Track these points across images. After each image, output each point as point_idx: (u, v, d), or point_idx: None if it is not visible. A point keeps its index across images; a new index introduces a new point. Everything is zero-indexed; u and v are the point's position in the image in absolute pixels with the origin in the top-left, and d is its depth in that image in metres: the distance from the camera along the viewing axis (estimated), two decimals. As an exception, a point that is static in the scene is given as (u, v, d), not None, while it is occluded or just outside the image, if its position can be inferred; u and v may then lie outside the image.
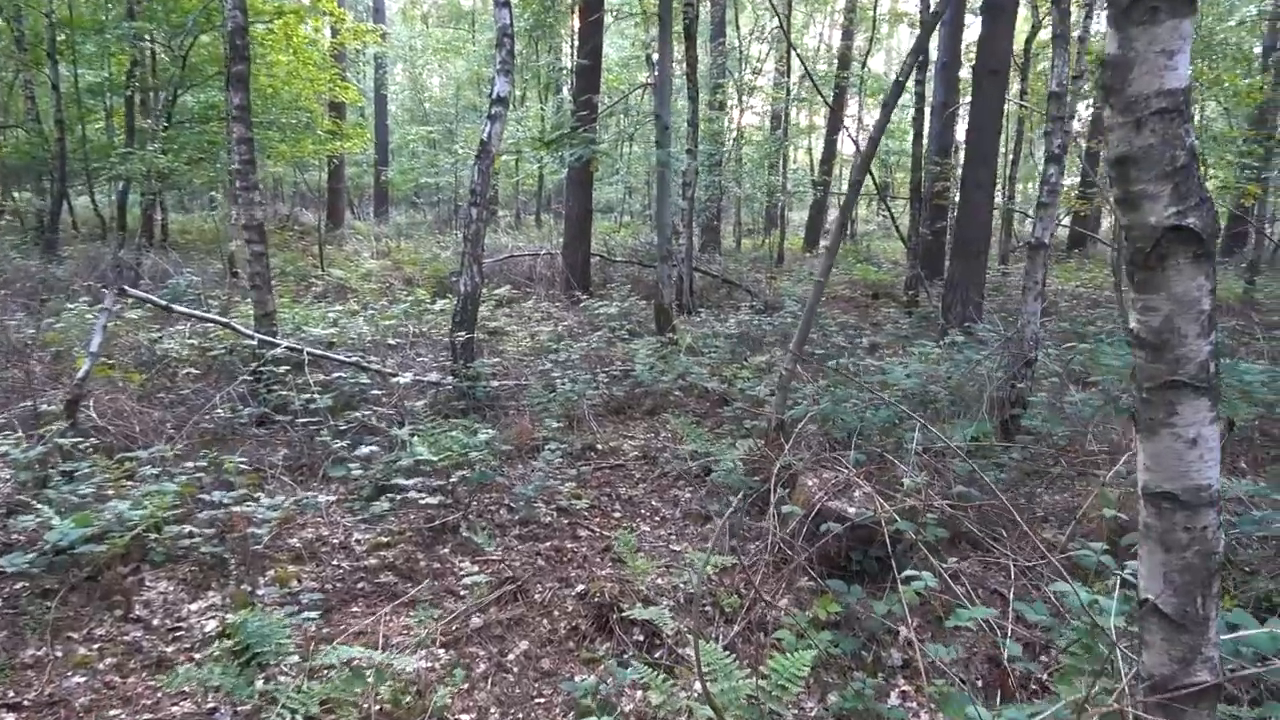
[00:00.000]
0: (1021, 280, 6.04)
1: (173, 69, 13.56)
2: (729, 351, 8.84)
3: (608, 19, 14.48)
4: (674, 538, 4.86)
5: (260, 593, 4.06)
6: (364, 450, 5.01)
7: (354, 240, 18.36)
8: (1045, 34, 18.46)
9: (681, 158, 11.56)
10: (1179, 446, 1.52)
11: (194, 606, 3.93)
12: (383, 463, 5.13)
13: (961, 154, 21.55)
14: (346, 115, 20.82)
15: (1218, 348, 1.48)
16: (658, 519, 5.19)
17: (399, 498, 4.74)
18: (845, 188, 26.54)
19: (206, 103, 14.57)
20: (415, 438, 5.26)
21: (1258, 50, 19.22)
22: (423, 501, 4.64)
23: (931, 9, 12.88)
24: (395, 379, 6.31)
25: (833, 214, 28.61)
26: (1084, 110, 19.75)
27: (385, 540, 4.65)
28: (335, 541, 4.65)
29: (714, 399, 7.54)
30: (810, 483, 4.26)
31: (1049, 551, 3.92)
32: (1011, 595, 3.56)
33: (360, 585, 4.22)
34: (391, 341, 7.91)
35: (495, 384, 7.10)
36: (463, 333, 6.85)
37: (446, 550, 4.61)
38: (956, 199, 19.45)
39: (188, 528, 4.22)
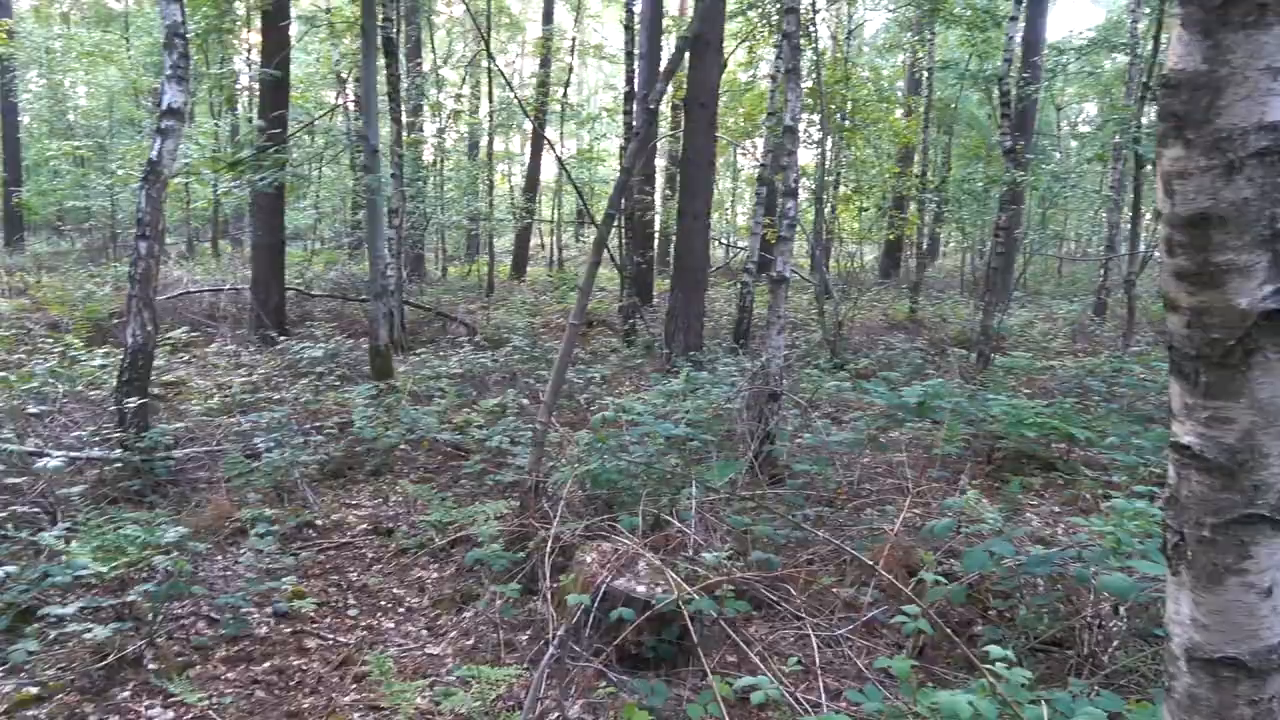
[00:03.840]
0: (766, 314, 5.96)
1: None
2: (456, 395, 8.11)
3: (298, 29, 13.14)
4: (427, 635, 4.11)
5: None
6: (-3, 572, 3.73)
7: (-24, 275, 15.16)
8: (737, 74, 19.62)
9: (389, 183, 10.65)
10: (1251, 599, 1.12)
11: None
12: (26, 582, 3.87)
13: (659, 182, 22.34)
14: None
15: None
16: (402, 611, 4.39)
17: (54, 633, 3.56)
18: (549, 215, 26.52)
19: None
20: (74, 542, 4.04)
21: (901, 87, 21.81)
22: (90, 637, 3.49)
23: (635, 49, 13.03)
24: (41, 462, 4.92)
25: (536, 241, 28.60)
26: (761, 145, 21.25)
27: (35, 693, 3.46)
28: (-44, 706, 3.39)
29: (447, 452, 6.81)
30: (589, 559, 3.74)
31: (850, 613, 3.71)
32: (819, 668, 3.26)
33: (-2, 769, 3.06)
34: (33, 409, 6.30)
35: (180, 454, 5.86)
36: (134, 396, 5.56)
37: (128, 694, 3.52)
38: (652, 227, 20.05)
39: None
